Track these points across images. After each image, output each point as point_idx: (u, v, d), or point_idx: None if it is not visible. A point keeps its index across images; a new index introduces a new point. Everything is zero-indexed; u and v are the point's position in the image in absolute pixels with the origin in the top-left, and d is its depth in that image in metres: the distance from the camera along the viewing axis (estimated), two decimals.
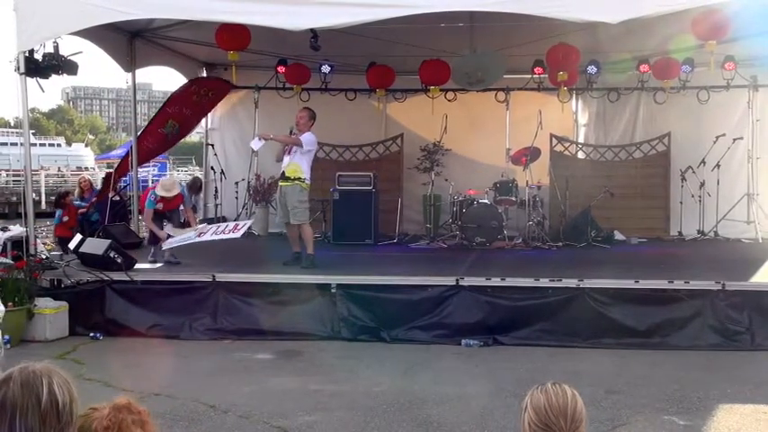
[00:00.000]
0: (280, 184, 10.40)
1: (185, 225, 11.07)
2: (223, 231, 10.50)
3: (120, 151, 44.52)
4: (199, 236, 10.31)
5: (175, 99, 14.64)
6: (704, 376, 7.42)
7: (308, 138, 10.23)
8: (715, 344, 8.40)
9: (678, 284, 8.75)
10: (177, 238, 10.39)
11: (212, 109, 15.20)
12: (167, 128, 14.12)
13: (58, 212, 14.31)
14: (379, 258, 11.53)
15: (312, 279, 9.36)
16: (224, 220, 15.35)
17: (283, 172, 10.25)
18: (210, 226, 11.37)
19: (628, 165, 14.62)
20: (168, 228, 10.51)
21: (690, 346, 8.36)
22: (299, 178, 10.15)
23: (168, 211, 10.70)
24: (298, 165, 10.16)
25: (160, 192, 10.54)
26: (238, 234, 10.21)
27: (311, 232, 10.49)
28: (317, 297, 9.11)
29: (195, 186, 15.21)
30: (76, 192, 15.53)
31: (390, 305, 9.00)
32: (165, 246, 10.34)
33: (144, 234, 14.38)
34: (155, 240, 10.66)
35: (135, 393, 6.53)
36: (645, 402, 6.53)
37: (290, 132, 10.32)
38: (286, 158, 10.27)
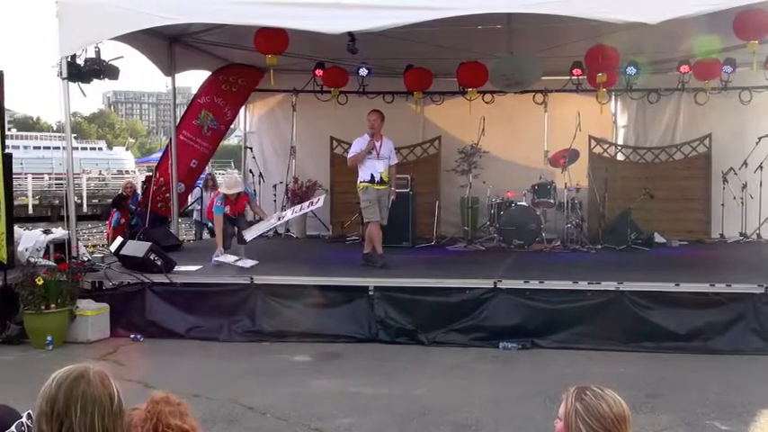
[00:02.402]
0: (377, 187, 10.52)
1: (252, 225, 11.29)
2: (302, 208, 11.68)
3: (160, 154, 45.00)
4: (279, 219, 11.04)
5: (204, 90, 14.69)
6: (746, 381, 7.31)
7: (393, 149, 10.87)
8: (757, 348, 8.26)
9: (720, 288, 8.63)
10: (256, 228, 10.65)
11: (247, 98, 15.11)
12: (201, 119, 14.22)
13: (117, 216, 14.62)
14: (416, 261, 11.51)
15: (350, 281, 9.38)
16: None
17: (381, 177, 10.49)
18: (287, 210, 12.19)
19: (668, 166, 14.46)
20: (244, 233, 10.68)
21: (732, 351, 8.23)
22: (389, 181, 10.62)
23: (235, 215, 10.86)
24: (388, 169, 10.62)
25: (223, 190, 10.70)
26: (318, 205, 11.40)
27: None
28: (355, 299, 9.13)
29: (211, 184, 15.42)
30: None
31: (428, 308, 8.99)
32: (247, 237, 10.58)
33: (183, 237, 14.54)
34: (243, 239, 10.83)
35: (175, 394, 6.60)
36: (686, 407, 6.45)
37: (371, 137, 10.49)
38: (378, 163, 10.51)
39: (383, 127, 10.70)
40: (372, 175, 10.47)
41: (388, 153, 10.64)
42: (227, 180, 11.38)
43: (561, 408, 2.69)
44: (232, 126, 17.23)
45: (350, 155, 10.89)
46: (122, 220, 14.53)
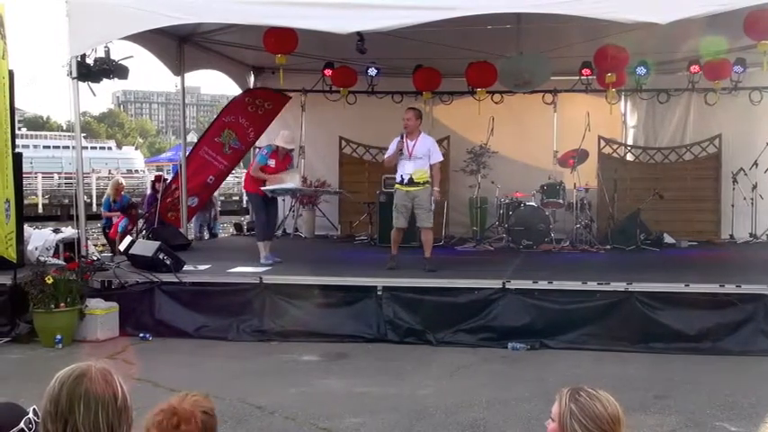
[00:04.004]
0: (406, 189, 10.28)
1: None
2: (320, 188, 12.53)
3: (169, 154, 45.19)
4: (294, 185, 11.19)
5: (230, 109, 14.77)
6: (756, 382, 7.28)
7: (435, 147, 10.47)
8: (767, 349, 8.24)
9: (729, 288, 8.59)
10: (277, 185, 10.76)
11: (271, 121, 14.95)
12: (223, 137, 14.27)
13: (124, 221, 14.67)
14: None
15: (358, 281, 9.38)
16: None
17: (411, 178, 10.23)
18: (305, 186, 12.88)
19: (678, 167, 14.43)
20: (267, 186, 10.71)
21: (741, 352, 8.20)
22: (427, 182, 10.27)
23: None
24: (425, 170, 10.27)
25: (279, 142, 10.65)
26: (335, 193, 12.09)
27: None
28: (364, 299, 9.13)
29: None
30: (110, 197, 15.72)
31: (436, 308, 8.98)
32: (265, 188, 10.62)
33: (191, 236, 14.53)
34: (265, 235, 10.91)
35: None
36: (695, 408, 6.42)
37: (402, 137, 10.27)
38: (408, 164, 10.24)
39: (418, 125, 10.41)
40: (402, 176, 10.31)
41: (423, 152, 10.25)
42: (287, 134, 11.19)
43: (554, 408, 2.70)
44: None
45: (385, 156, 10.81)
46: (129, 227, 14.57)
